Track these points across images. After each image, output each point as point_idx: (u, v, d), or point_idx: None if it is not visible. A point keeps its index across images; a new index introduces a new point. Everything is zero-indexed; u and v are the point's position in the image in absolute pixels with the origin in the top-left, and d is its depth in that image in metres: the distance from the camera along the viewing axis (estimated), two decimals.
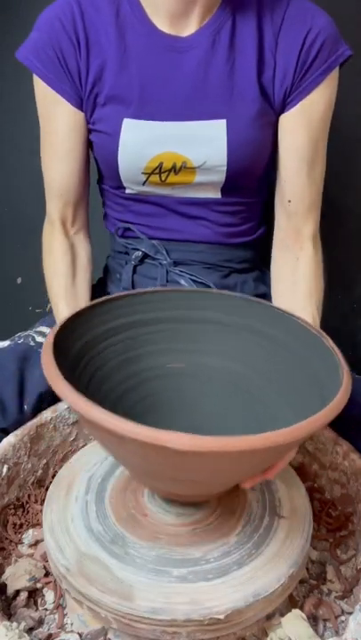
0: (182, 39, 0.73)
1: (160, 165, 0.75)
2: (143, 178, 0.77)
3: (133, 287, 0.86)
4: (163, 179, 0.77)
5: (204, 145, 0.74)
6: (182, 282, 0.83)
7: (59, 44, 0.73)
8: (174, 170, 0.76)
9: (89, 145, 0.82)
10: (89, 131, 0.79)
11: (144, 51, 0.74)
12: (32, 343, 0.78)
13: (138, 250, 0.85)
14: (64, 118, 0.77)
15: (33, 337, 0.79)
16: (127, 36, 0.74)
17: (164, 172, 0.76)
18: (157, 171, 0.76)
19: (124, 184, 0.80)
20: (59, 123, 0.78)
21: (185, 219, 0.82)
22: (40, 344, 0.78)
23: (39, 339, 0.79)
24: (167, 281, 0.83)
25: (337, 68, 0.74)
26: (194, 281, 0.83)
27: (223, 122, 0.73)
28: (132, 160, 0.76)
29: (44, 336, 0.80)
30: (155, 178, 0.77)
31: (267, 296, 0.89)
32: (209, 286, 0.82)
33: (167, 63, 0.73)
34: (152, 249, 0.84)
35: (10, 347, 0.76)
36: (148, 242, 0.84)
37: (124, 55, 0.74)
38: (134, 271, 0.86)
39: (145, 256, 0.85)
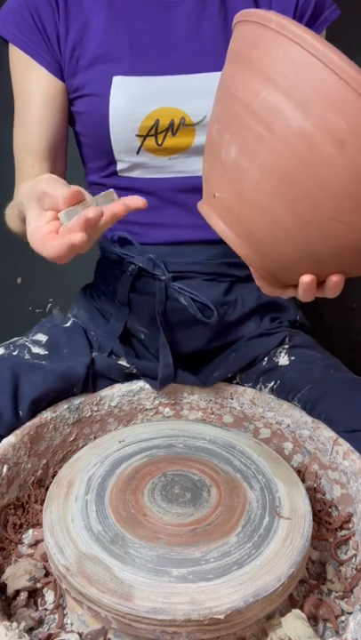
0: None
1: (156, 124, 0.72)
2: (138, 142, 0.73)
3: (130, 306, 0.83)
4: (159, 142, 0.73)
5: (202, 98, 0.71)
6: (182, 300, 0.79)
7: (35, 6, 0.71)
8: (172, 129, 0.72)
9: (70, 121, 0.78)
10: (71, 102, 0.76)
11: (131, 7, 0.72)
12: (27, 356, 0.77)
13: (133, 264, 0.80)
14: (40, 86, 0.74)
15: (29, 348, 0.78)
16: None
17: (161, 132, 0.72)
18: (153, 131, 0.72)
19: (116, 156, 0.76)
20: (33, 90, 0.74)
21: (184, 211, 0.78)
22: (36, 355, 0.77)
23: (35, 349, 0.78)
24: (166, 297, 0.80)
25: (325, 30, 0.75)
26: (193, 300, 0.79)
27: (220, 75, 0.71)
28: (126, 121, 0.72)
29: (40, 346, 0.79)
30: (150, 142, 0.73)
31: (274, 303, 0.88)
32: (208, 306, 0.79)
33: (156, 19, 0.72)
34: (149, 263, 0.80)
35: (3, 357, 0.75)
36: (145, 255, 0.80)
37: (109, 12, 0.72)
38: (130, 289, 0.82)
39: (142, 269, 0.81)
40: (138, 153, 0.74)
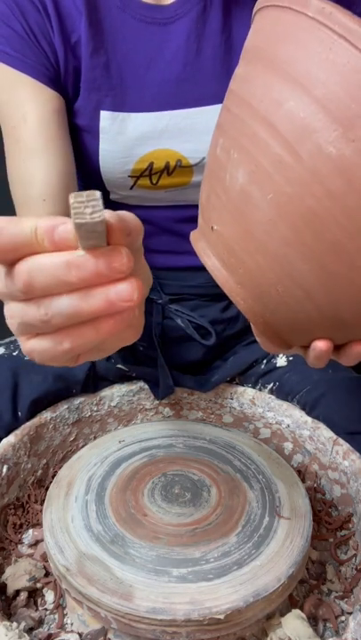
0: (165, 8, 0.61)
1: (150, 166, 0.64)
2: (130, 182, 0.67)
3: None
4: (154, 182, 0.66)
5: (201, 136, 0.62)
6: (179, 321, 0.79)
7: (22, 14, 0.59)
8: (167, 170, 0.65)
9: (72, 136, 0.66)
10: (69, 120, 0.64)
11: (120, 26, 0.61)
12: (27, 357, 0.76)
13: None
14: (36, 104, 0.61)
15: None
16: (100, 9, 0.61)
17: (155, 173, 0.65)
18: (147, 173, 0.65)
19: (108, 189, 0.69)
20: (26, 109, 0.61)
21: (181, 239, 0.74)
22: None
23: None
24: (163, 318, 0.79)
25: None
26: (190, 322, 0.79)
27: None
28: (117, 163, 0.65)
29: None
30: (144, 181, 0.66)
31: None
32: (206, 327, 0.79)
33: (150, 39, 0.61)
34: None
35: (3, 357, 0.75)
36: None
37: (96, 32, 0.61)
38: None
39: None
40: (131, 189, 0.68)
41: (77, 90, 0.63)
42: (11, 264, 0.30)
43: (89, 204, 0.27)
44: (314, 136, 0.33)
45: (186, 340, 0.81)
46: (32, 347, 0.33)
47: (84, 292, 0.29)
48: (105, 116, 0.62)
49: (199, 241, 0.44)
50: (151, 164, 0.64)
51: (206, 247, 0.43)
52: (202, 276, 0.79)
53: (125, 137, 0.63)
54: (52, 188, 0.62)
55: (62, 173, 0.63)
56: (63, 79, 0.63)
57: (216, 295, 0.81)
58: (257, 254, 0.38)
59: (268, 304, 0.40)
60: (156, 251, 0.76)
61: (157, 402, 0.81)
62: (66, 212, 0.61)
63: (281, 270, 0.37)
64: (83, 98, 0.63)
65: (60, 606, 0.57)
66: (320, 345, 0.41)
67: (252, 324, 0.44)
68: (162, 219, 0.73)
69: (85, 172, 0.70)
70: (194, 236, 0.45)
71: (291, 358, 0.80)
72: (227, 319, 0.82)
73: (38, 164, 0.62)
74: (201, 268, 0.76)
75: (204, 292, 0.80)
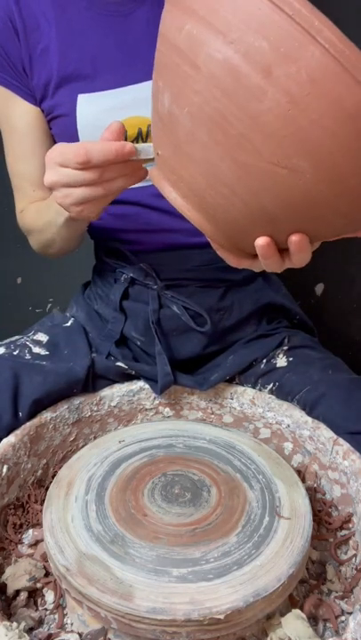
0: (126, 2, 0.71)
1: (125, 135, 0.71)
2: None
3: (124, 312, 0.83)
4: None
5: None
6: (174, 308, 0.80)
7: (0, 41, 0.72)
8: (141, 137, 0.72)
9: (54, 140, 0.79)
10: (49, 125, 0.77)
11: (88, 22, 0.71)
12: (28, 356, 0.76)
13: (125, 273, 0.81)
14: (21, 116, 0.76)
15: (30, 348, 0.78)
16: (69, 13, 0.71)
17: (131, 142, 0.72)
18: None
19: None
20: (16, 121, 0.76)
21: (169, 216, 0.77)
22: (36, 356, 0.77)
23: (36, 349, 0.78)
24: (160, 306, 0.80)
25: None
26: (186, 308, 0.79)
27: None
28: (94, 137, 0.69)
29: (41, 346, 0.79)
30: None
31: (272, 304, 0.87)
32: (201, 315, 0.79)
33: (116, 30, 0.71)
34: (141, 273, 0.80)
35: (4, 357, 0.75)
36: (137, 264, 0.80)
37: (67, 33, 0.71)
38: (125, 296, 0.82)
39: (134, 278, 0.81)
40: None
41: (45, 94, 0.74)
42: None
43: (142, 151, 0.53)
44: (205, 47, 0.40)
45: (183, 332, 0.81)
46: (81, 207, 0.56)
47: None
48: (81, 98, 0.72)
49: (154, 171, 0.50)
50: (125, 133, 0.70)
51: (159, 175, 0.49)
52: (199, 257, 0.80)
53: (99, 111, 0.72)
54: (38, 181, 0.78)
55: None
56: (34, 91, 0.74)
57: (213, 281, 0.81)
58: (188, 165, 0.44)
59: (208, 210, 0.46)
60: (149, 230, 0.79)
61: (157, 402, 0.81)
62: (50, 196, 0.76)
63: (207, 173, 0.43)
64: (62, 91, 0.72)
65: (60, 606, 0.57)
66: (260, 242, 0.46)
67: (210, 241, 0.51)
68: (147, 196, 0.76)
69: None
70: (151, 171, 0.51)
71: (291, 359, 0.80)
72: (223, 308, 0.82)
73: (27, 165, 0.79)
74: (197, 246, 0.79)
75: (202, 276, 0.81)
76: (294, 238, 0.46)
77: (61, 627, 0.55)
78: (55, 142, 0.79)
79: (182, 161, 0.45)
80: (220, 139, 0.41)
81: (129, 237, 0.81)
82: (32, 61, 0.73)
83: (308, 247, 0.47)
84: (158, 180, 0.49)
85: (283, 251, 0.48)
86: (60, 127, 0.76)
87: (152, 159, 0.51)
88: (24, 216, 0.82)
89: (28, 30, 0.72)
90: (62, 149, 0.55)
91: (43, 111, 0.76)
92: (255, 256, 0.50)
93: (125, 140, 0.69)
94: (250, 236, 0.46)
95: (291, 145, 0.39)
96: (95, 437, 0.77)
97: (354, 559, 0.62)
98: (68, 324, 0.85)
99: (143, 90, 0.70)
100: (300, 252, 0.47)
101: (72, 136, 0.73)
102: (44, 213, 0.75)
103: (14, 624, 0.49)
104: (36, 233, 0.80)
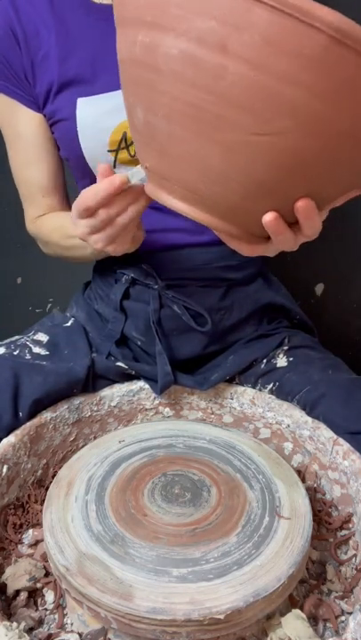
0: None
1: (124, 136, 0.72)
2: (111, 158, 0.74)
3: (124, 312, 0.83)
4: (132, 153, 0.73)
5: None
6: (175, 308, 0.80)
7: (1, 50, 0.73)
8: None
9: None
10: (51, 130, 0.78)
11: (86, 28, 0.73)
12: (28, 356, 0.76)
13: (125, 273, 0.81)
14: (26, 123, 0.77)
15: (30, 348, 0.78)
16: (67, 19, 0.73)
17: (131, 143, 0.73)
18: (123, 144, 0.72)
19: (95, 173, 0.75)
20: (21, 128, 0.77)
21: (169, 215, 0.75)
22: (36, 356, 0.77)
23: (36, 349, 0.78)
24: (160, 306, 0.80)
25: None
26: (187, 308, 0.80)
27: None
28: (94, 139, 0.73)
29: (42, 346, 0.79)
30: (123, 155, 0.73)
31: (272, 304, 0.88)
32: (202, 314, 0.79)
33: (111, 34, 0.71)
34: (141, 273, 0.80)
35: (4, 356, 0.75)
36: (137, 264, 0.80)
37: (67, 38, 0.73)
38: (125, 295, 0.82)
39: (134, 278, 0.81)
40: (115, 167, 0.75)
41: (47, 99, 0.75)
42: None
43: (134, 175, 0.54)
44: (160, 48, 0.41)
45: (183, 332, 0.81)
46: (113, 245, 0.61)
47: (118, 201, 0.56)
48: (81, 102, 0.72)
49: (148, 186, 0.52)
50: (125, 134, 0.72)
51: (153, 188, 0.50)
52: (199, 256, 0.80)
53: (98, 113, 0.72)
54: (46, 187, 0.81)
55: (52, 173, 0.81)
56: (38, 92, 0.75)
57: (214, 280, 0.81)
58: (176, 165, 0.45)
59: (208, 203, 0.47)
60: (150, 230, 0.78)
61: (157, 402, 0.81)
62: (60, 202, 0.83)
63: (196, 166, 0.44)
64: (62, 96, 0.73)
65: (60, 606, 0.57)
66: (267, 217, 0.46)
67: (218, 235, 0.52)
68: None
69: (74, 162, 0.78)
70: (146, 187, 0.52)
71: (291, 359, 0.80)
72: (224, 308, 0.82)
73: (34, 171, 0.80)
74: (197, 245, 0.80)
75: (202, 276, 0.81)
76: (300, 204, 0.45)
77: (61, 627, 0.55)
78: (59, 147, 0.80)
79: (169, 163, 0.46)
80: (198, 127, 0.42)
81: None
82: (34, 68, 0.74)
83: (316, 213, 0.47)
84: (154, 191, 0.50)
85: (292, 225, 0.48)
86: (60, 131, 0.76)
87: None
88: (40, 226, 0.83)
89: (29, 38, 0.73)
90: (73, 206, 0.59)
91: (45, 116, 0.77)
92: (267, 239, 0.50)
93: (126, 142, 0.72)
94: (256, 217, 0.46)
95: (267, 109, 0.39)
96: (95, 437, 0.77)
97: (354, 559, 0.62)
98: (69, 324, 0.85)
99: None
100: (309, 218, 0.47)
101: (72, 140, 0.74)
102: (70, 235, 0.75)
103: (14, 624, 0.49)
104: (61, 249, 0.81)
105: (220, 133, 0.41)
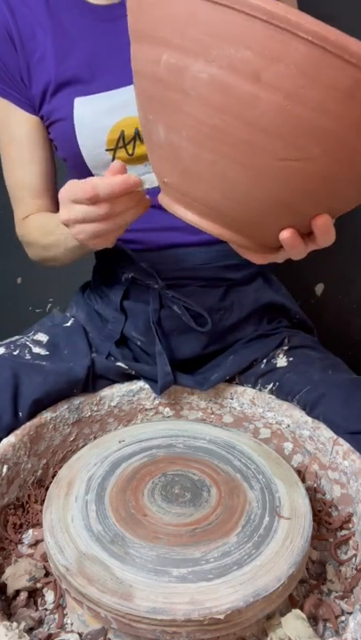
0: (115, 6, 0.73)
1: (122, 135, 0.72)
2: (109, 157, 0.74)
3: (124, 312, 0.83)
4: (130, 152, 0.73)
5: None
6: (175, 308, 0.80)
7: None
8: (138, 137, 0.72)
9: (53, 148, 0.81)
10: (48, 131, 0.78)
11: (83, 29, 0.73)
12: (28, 356, 0.76)
13: (126, 273, 0.81)
14: (20, 125, 0.77)
15: (30, 348, 0.78)
16: (64, 20, 0.73)
17: (129, 142, 0.73)
18: (121, 143, 0.73)
19: (94, 173, 0.77)
20: (15, 129, 0.78)
21: (166, 213, 0.78)
22: (36, 356, 0.77)
23: (36, 349, 0.78)
24: (160, 305, 0.80)
25: None
26: (187, 308, 0.80)
27: None
28: (92, 138, 0.73)
29: (42, 346, 0.79)
30: (122, 153, 0.74)
31: (272, 304, 0.88)
32: (202, 315, 0.79)
33: (110, 33, 0.73)
34: (142, 273, 0.80)
35: (4, 357, 0.75)
36: (137, 264, 0.80)
37: (63, 40, 0.73)
38: (125, 296, 0.82)
39: (135, 278, 0.81)
40: None
41: (43, 100, 0.74)
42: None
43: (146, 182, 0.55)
44: (188, 72, 0.41)
45: (183, 332, 0.81)
46: (96, 240, 0.58)
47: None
48: (78, 101, 0.72)
49: (163, 198, 0.52)
50: (122, 133, 0.73)
51: (170, 201, 0.51)
52: (199, 255, 0.80)
53: (95, 112, 0.72)
54: (37, 189, 0.81)
55: (45, 176, 0.81)
56: (34, 94, 0.75)
57: (214, 280, 0.81)
58: (199, 185, 0.46)
59: (227, 219, 0.48)
60: (151, 229, 0.79)
61: (157, 402, 0.81)
62: (50, 204, 0.82)
63: (221, 186, 0.45)
64: (59, 96, 0.73)
65: (60, 606, 0.57)
66: (284, 235, 0.47)
67: (233, 247, 0.53)
68: (148, 194, 0.76)
69: (71, 161, 0.78)
70: (160, 198, 0.53)
71: (291, 359, 0.80)
72: (224, 308, 0.82)
73: (26, 172, 0.80)
74: (198, 244, 0.80)
75: (203, 275, 0.81)
76: (320, 221, 0.47)
77: (61, 627, 0.55)
78: (54, 149, 0.80)
79: (193, 182, 0.46)
80: (226, 150, 0.42)
81: (129, 236, 0.80)
82: (30, 70, 0.74)
83: (332, 227, 0.48)
84: (170, 204, 0.51)
85: (305, 236, 0.49)
86: (58, 131, 0.76)
87: (156, 186, 0.54)
88: (25, 226, 0.83)
89: (25, 40, 0.73)
90: (72, 187, 0.56)
91: (42, 117, 0.77)
92: (279, 247, 0.51)
93: (123, 140, 0.72)
94: (272, 231, 0.48)
95: (297, 136, 0.40)
96: (95, 437, 0.77)
97: (354, 559, 0.62)
98: (68, 324, 0.85)
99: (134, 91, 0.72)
100: (326, 233, 0.48)
101: (70, 139, 0.74)
102: (50, 232, 0.75)
103: (14, 624, 0.49)
104: (39, 249, 0.80)
105: (248, 157, 0.42)
